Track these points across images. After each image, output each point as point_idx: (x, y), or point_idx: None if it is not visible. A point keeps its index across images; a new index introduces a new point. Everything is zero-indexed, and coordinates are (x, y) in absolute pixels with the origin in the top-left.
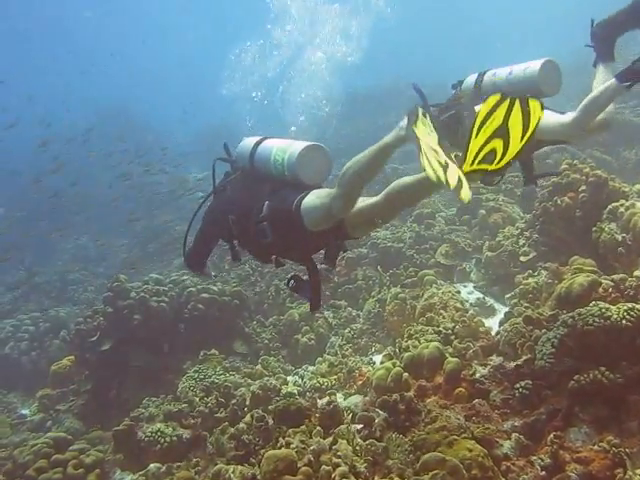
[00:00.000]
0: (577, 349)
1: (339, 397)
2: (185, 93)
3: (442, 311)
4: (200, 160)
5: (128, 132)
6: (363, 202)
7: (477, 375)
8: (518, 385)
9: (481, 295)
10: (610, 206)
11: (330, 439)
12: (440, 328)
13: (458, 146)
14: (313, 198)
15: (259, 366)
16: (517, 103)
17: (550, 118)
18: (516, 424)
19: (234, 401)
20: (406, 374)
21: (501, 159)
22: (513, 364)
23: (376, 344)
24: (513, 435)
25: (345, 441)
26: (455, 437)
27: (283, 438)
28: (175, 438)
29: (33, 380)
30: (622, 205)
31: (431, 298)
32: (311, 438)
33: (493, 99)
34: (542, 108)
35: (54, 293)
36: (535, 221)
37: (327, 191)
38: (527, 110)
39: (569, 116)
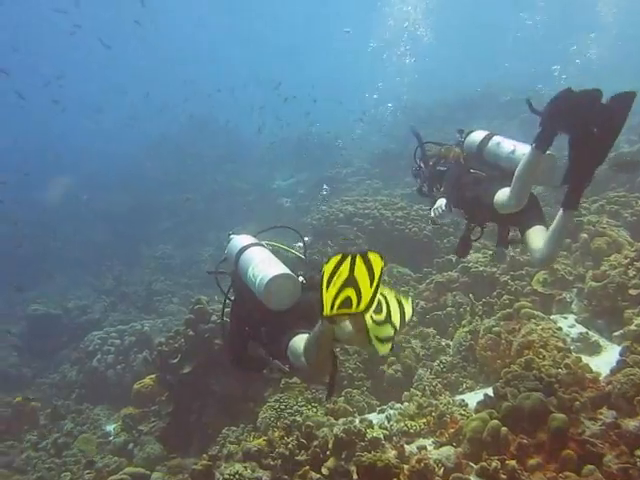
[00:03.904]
0: None
1: (428, 444)
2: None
3: (542, 350)
4: (283, 166)
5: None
6: None
7: (587, 433)
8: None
9: (584, 329)
10: None
11: None
12: (542, 375)
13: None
14: (295, 358)
15: (342, 399)
16: (359, 258)
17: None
18: None
19: (316, 443)
20: (505, 429)
21: (359, 303)
22: (631, 424)
23: (467, 380)
24: None
25: None
26: None
27: None
28: None
29: (118, 394)
30: None
31: (529, 335)
32: None
33: (335, 259)
34: (382, 258)
35: (140, 303)
36: None
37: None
38: (369, 262)
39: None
